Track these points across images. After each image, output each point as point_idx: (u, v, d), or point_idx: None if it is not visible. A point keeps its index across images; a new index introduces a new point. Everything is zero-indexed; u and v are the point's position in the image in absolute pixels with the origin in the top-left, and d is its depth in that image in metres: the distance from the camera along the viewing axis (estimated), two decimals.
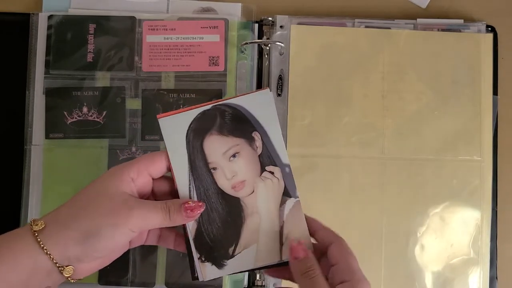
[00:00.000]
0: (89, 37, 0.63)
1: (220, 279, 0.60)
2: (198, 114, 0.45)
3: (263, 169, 0.45)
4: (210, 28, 0.63)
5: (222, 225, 0.45)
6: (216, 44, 0.63)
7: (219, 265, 0.45)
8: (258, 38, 0.64)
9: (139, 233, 0.45)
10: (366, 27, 0.64)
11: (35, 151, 0.62)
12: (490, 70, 0.63)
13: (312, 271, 0.42)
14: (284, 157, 0.45)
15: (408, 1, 0.67)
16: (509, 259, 0.63)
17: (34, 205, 0.61)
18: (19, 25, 0.64)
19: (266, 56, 0.64)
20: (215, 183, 0.45)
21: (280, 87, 0.63)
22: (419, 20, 0.65)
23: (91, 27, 0.63)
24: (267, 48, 0.64)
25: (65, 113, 0.62)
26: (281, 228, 0.45)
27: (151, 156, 0.44)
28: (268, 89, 0.46)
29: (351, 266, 0.42)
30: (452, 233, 0.61)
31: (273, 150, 0.45)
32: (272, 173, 0.45)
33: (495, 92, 0.63)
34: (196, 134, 0.45)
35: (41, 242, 0.40)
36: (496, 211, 0.62)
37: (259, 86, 0.64)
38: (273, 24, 0.64)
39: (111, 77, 0.63)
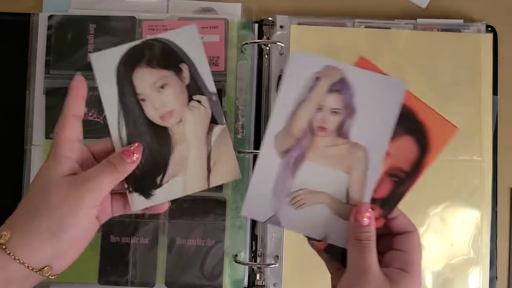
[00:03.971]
0: (89, 37, 0.63)
1: (220, 279, 0.60)
2: (129, 48, 0.46)
3: (190, 99, 0.46)
4: (210, 28, 0.63)
5: (150, 154, 0.46)
6: (216, 44, 0.63)
7: (147, 194, 0.46)
8: (258, 38, 0.64)
9: (103, 208, 0.45)
10: (366, 27, 0.64)
11: (35, 151, 0.62)
12: (490, 70, 0.63)
13: (368, 242, 0.40)
14: (211, 87, 0.46)
15: (408, 1, 0.67)
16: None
17: None
18: (19, 25, 0.64)
19: (266, 56, 0.64)
20: (144, 113, 0.46)
21: None
22: (419, 20, 0.65)
23: (91, 27, 0.63)
24: (267, 48, 0.64)
25: None
26: (209, 155, 0.46)
27: (64, 123, 0.44)
28: (194, 25, 0.47)
29: (417, 261, 0.42)
30: (452, 233, 0.61)
31: (200, 80, 0.46)
32: (199, 102, 0.46)
33: (495, 92, 0.63)
34: (126, 67, 0.46)
35: (11, 254, 0.39)
36: (496, 211, 0.62)
37: (259, 86, 0.64)
38: (273, 24, 0.64)
39: None
